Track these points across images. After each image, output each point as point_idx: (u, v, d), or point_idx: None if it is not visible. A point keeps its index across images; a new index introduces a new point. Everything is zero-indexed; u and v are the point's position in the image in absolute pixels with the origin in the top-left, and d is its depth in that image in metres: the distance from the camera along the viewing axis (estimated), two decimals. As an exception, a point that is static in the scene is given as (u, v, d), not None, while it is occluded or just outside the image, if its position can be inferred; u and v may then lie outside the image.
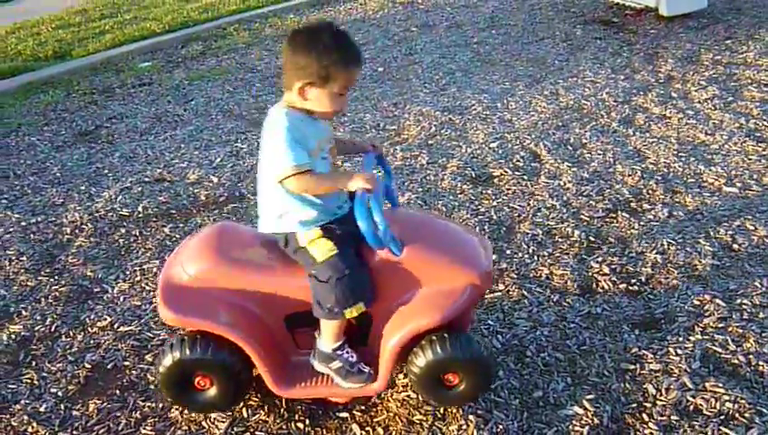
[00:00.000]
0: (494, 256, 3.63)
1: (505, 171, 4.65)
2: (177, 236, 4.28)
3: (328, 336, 2.62)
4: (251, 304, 2.62)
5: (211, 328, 2.56)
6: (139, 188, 4.96)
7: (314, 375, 2.69)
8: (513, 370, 3.00)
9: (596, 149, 4.85)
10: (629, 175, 4.46)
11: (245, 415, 2.86)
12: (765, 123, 4.93)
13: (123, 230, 4.43)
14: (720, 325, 3.13)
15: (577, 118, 5.39)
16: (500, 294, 3.48)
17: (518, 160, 4.78)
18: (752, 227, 3.79)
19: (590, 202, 4.20)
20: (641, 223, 3.95)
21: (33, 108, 6.96)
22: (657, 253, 3.67)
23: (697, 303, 3.28)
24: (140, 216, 4.59)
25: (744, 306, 3.21)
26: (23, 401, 3.12)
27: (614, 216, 4.05)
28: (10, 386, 3.22)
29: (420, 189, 4.54)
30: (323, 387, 2.67)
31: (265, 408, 2.88)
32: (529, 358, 3.05)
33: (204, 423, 2.85)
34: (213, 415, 2.87)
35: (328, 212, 2.57)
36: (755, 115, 5.08)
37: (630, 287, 3.44)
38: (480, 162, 4.82)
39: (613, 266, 3.60)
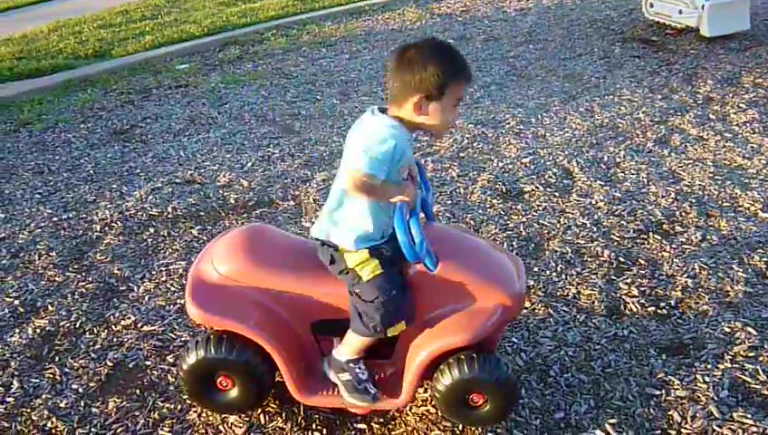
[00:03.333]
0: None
1: (536, 187, 4.60)
2: (205, 238, 4.30)
3: (351, 348, 2.60)
4: (279, 307, 2.61)
5: (237, 328, 2.56)
6: (170, 189, 4.99)
7: (335, 385, 2.67)
8: (536, 389, 2.95)
9: (630, 168, 4.78)
10: (663, 196, 4.38)
11: (263, 421, 2.85)
12: (806, 149, 4.82)
13: (152, 230, 4.46)
14: (751, 354, 3.05)
15: (612, 136, 5.31)
16: (526, 311, 3.43)
17: (550, 177, 4.73)
18: (787, 255, 3.69)
19: (622, 222, 4.13)
20: (673, 245, 3.87)
21: (71, 105, 7.06)
22: (687, 277, 3.59)
23: (728, 330, 3.20)
24: (169, 216, 4.61)
25: (776, 336, 3.13)
26: (44, 396, 3.14)
27: (645, 237, 3.97)
28: (33, 380, 3.25)
29: (450, 202, 4.51)
30: (344, 397, 2.64)
31: (283, 415, 2.86)
32: (552, 378, 3.00)
33: (221, 427, 2.85)
34: (230, 419, 2.86)
35: (379, 231, 2.54)
36: (796, 140, 4.97)
37: (659, 311, 3.37)
38: (511, 177, 4.77)
39: (642, 289, 3.53)
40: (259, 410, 2.88)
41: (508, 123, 5.70)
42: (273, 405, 2.90)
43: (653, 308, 3.39)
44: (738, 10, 7.11)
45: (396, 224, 2.35)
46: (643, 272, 3.67)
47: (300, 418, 2.85)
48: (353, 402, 2.66)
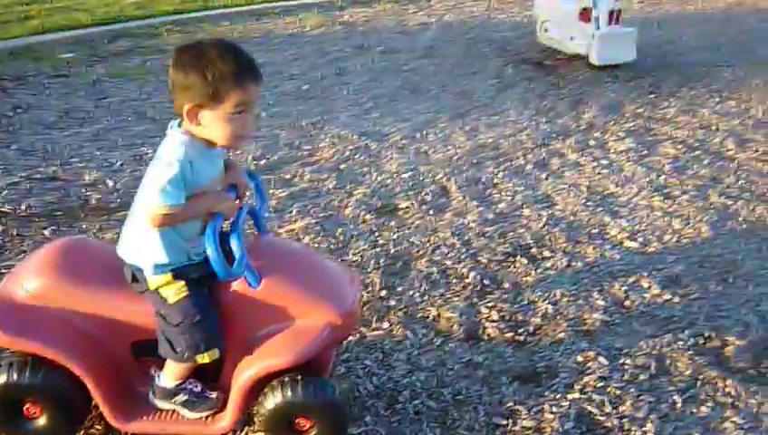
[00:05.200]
0: (363, 294, 3.52)
1: (412, 204, 4.54)
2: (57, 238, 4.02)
3: (171, 375, 2.43)
4: (93, 328, 2.40)
5: (42, 351, 2.33)
6: (29, 185, 4.67)
7: (158, 410, 2.49)
8: (383, 416, 2.85)
9: (506, 190, 4.79)
10: (535, 220, 4.39)
11: (90, 443, 2.64)
12: (674, 180, 4.95)
13: (1, 228, 4.15)
14: (599, 384, 3.04)
15: (493, 157, 5.32)
16: (383, 332, 3.34)
17: (426, 194, 4.68)
18: (646, 285, 3.74)
19: (491, 244, 4.11)
20: (538, 270, 3.87)
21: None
22: (549, 303, 3.59)
23: (581, 359, 3.19)
24: (23, 214, 4.31)
25: (626, 366, 3.14)
26: None
27: (513, 260, 3.96)
28: None
29: (322, 214, 4.39)
30: (169, 423, 2.47)
31: None
32: (401, 404, 2.91)
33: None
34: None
35: (183, 256, 2.37)
36: (666, 171, 5.10)
37: (517, 337, 3.34)
38: (388, 192, 4.70)
39: (503, 314, 3.50)
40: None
41: (393, 137, 5.64)
42: (98, 427, 2.68)
43: (511, 334, 3.36)
44: (625, 42, 7.31)
45: (206, 239, 2.19)
46: (506, 296, 3.64)
47: (127, 441, 2.66)
48: (199, 416, 2.47)
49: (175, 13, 9.60)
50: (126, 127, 5.75)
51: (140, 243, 2.35)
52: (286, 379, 2.37)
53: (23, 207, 4.37)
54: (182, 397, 2.45)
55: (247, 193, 2.60)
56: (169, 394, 2.45)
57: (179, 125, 2.27)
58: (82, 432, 2.66)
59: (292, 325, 2.37)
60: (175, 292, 2.33)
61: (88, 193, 4.58)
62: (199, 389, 2.46)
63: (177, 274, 2.34)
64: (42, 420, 2.46)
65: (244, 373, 2.34)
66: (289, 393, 2.36)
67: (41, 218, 4.26)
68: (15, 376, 2.36)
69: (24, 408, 2.45)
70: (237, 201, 2.43)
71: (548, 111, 6.34)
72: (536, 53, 8.13)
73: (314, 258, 2.66)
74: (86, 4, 9.80)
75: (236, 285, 2.36)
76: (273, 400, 2.39)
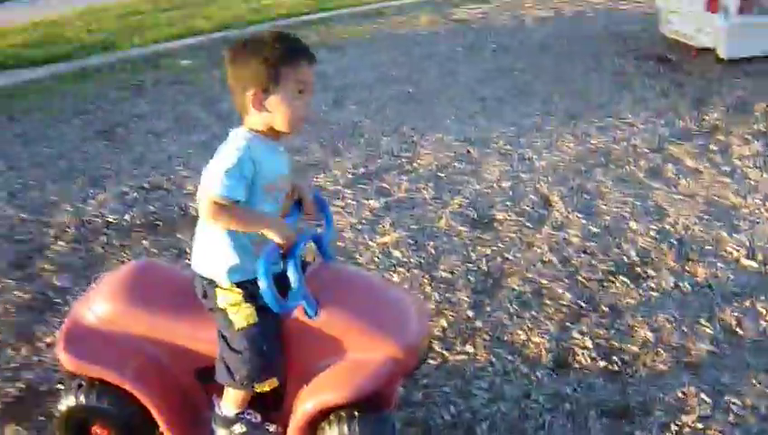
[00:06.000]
0: (432, 323, 3.38)
1: (509, 216, 4.34)
2: (155, 250, 4.13)
3: (231, 402, 2.39)
4: (158, 353, 2.40)
5: (108, 376, 2.35)
6: (135, 194, 4.84)
7: None
8: (457, 449, 2.71)
9: (613, 200, 4.49)
10: (642, 234, 4.09)
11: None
12: (807, 190, 4.48)
13: (104, 238, 4.31)
14: (700, 426, 2.76)
15: (602, 163, 5.02)
16: (466, 357, 3.19)
17: (526, 205, 4.46)
18: (763, 311, 3.39)
19: (592, 261, 3.85)
20: (641, 291, 3.59)
21: (76, 96, 6.97)
22: (649, 329, 3.31)
23: (681, 395, 2.91)
24: (125, 224, 4.46)
25: (732, 406, 2.84)
26: (-55, 416, 2.99)
27: (613, 280, 3.69)
28: (-59, 396, 3.11)
29: (415, 226, 4.27)
30: (230, 451, 2.43)
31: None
32: (477, 437, 2.76)
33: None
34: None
35: (254, 263, 2.30)
36: (798, 180, 4.63)
37: (610, 366, 3.10)
38: (486, 202, 4.52)
39: (597, 340, 3.26)
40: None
41: (496, 142, 5.44)
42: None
43: (604, 363, 3.12)
44: (758, 33, 6.73)
45: (258, 268, 2.11)
46: (602, 320, 3.39)
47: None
48: None
49: (288, 16, 9.75)
50: (232, 134, 5.85)
51: (211, 248, 2.30)
52: (343, 414, 2.27)
53: (126, 217, 4.52)
54: (240, 427, 2.40)
55: (309, 217, 2.53)
56: (228, 423, 2.42)
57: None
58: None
59: (352, 358, 2.27)
60: (243, 317, 2.28)
61: (188, 203, 4.67)
62: (258, 420, 2.41)
63: (248, 293, 2.27)
64: (108, 443, 2.50)
65: (301, 407, 2.27)
66: (345, 430, 2.26)
67: (142, 228, 4.39)
68: (83, 399, 2.40)
69: (92, 429, 2.48)
70: (297, 230, 2.35)
71: (667, 112, 5.93)
72: (659, 47, 7.65)
73: (379, 288, 2.55)
74: (207, 12, 10.13)
75: (296, 313, 2.29)
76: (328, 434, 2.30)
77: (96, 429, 2.48)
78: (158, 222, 4.45)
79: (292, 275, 2.21)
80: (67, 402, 2.43)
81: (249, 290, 2.25)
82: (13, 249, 4.23)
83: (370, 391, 2.23)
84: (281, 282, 2.23)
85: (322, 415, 2.29)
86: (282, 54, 2.14)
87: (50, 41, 8.82)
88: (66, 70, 7.77)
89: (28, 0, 12.10)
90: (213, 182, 2.13)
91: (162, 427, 2.41)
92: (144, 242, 4.23)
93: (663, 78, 6.77)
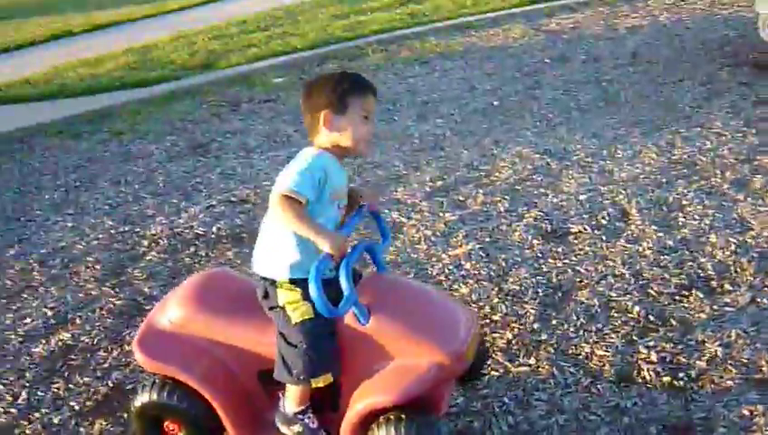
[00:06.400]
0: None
1: (584, 229, 4.32)
2: (239, 261, 4.35)
3: (291, 399, 2.55)
4: (224, 356, 2.59)
5: (178, 376, 2.56)
6: (222, 208, 5.10)
7: None
8: (512, 459, 2.75)
9: (694, 212, 4.39)
10: (722, 247, 3.99)
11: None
12: None
13: (192, 249, 4.57)
14: (765, 445, 2.70)
15: (685, 175, 4.90)
16: (528, 369, 3.22)
17: (602, 218, 4.42)
18: None
19: (665, 274, 3.79)
20: (714, 306, 3.51)
21: (164, 117, 7.41)
22: (719, 344, 3.24)
23: (746, 413, 2.85)
24: (213, 236, 4.71)
25: (801, 426, 2.76)
26: (43, 410, 3.29)
27: (687, 294, 3.63)
28: (39, 393, 3.41)
29: (487, 239, 4.32)
30: (290, 451, 2.58)
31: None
32: (533, 448, 2.79)
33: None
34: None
35: (311, 262, 2.45)
36: None
37: (675, 382, 3.06)
38: (561, 215, 4.51)
39: (663, 354, 3.21)
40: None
41: (577, 154, 5.40)
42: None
43: (669, 378, 3.08)
44: None
45: (310, 277, 2.26)
46: (671, 335, 3.34)
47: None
48: None
49: (381, 32, 9.94)
50: (318, 149, 6.05)
51: (275, 248, 2.52)
52: (391, 416, 2.38)
53: (214, 230, 4.78)
54: (298, 428, 2.55)
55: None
56: (288, 421, 2.58)
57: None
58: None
59: (400, 363, 2.39)
60: (300, 313, 2.46)
61: (272, 215, 4.88)
62: (315, 426, 2.55)
63: (306, 295, 2.41)
64: (180, 439, 2.70)
65: (352, 409, 2.40)
66: (392, 431, 2.36)
67: (228, 240, 4.63)
68: (156, 396, 2.61)
69: (165, 425, 2.69)
70: (350, 241, 2.49)
71: (760, 121, 5.71)
72: (758, 53, 7.35)
73: (429, 296, 2.64)
74: (301, 30, 10.47)
75: (348, 320, 2.42)
76: (377, 437, 2.41)
77: (168, 423, 2.68)
78: (243, 234, 4.68)
79: (343, 283, 2.33)
80: (142, 398, 2.65)
81: (307, 289, 2.40)
82: (110, 259, 4.55)
83: (416, 394, 2.33)
84: (336, 288, 2.37)
85: (372, 417, 2.40)
86: (351, 86, 2.52)
87: (144, 65, 9.36)
88: (161, 91, 8.23)
89: (123, 27, 12.87)
90: (285, 180, 2.38)
91: (226, 424, 2.59)
92: (229, 253, 4.47)
93: (760, 86, 6.51)
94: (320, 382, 2.46)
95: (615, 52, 8.04)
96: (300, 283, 2.46)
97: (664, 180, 4.86)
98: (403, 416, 2.36)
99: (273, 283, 2.52)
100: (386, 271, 2.74)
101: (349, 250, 2.43)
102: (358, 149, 2.57)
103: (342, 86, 2.49)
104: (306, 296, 2.42)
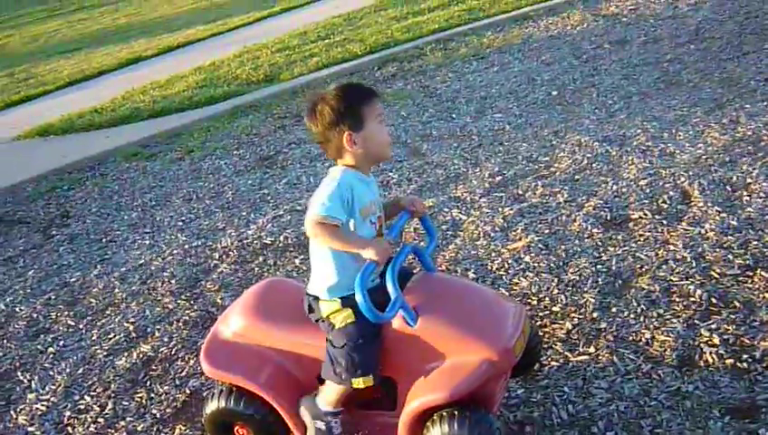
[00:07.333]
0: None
1: (645, 214, 4.29)
2: (305, 268, 4.50)
3: (329, 397, 2.66)
4: (285, 361, 2.72)
5: (243, 384, 2.70)
6: (289, 217, 5.27)
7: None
8: (572, 447, 2.79)
9: (759, 191, 4.29)
10: (789, 225, 3.90)
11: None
12: None
13: (261, 258, 4.75)
14: (832, 425, 2.65)
15: (750, 152, 4.79)
16: (587, 358, 3.24)
17: (663, 202, 4.38)
18: None
19: (728, 256, 3.74)
20: (781, 286, 3.45)
21: (232, 132, 7.66)
22: (786, 324, 3.19)
23: (813, 393, 2.81)
24: (280, 245, 4.88)
25: None
26: (128, 419, 3.50)
27: (751, 274, 3.57)
28: (124, 403, 3.63)
29: (547, 231, 4.34)
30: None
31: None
32: (593, 435, 2.82)
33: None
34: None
35: (350, 280, 2.55)
36: None
37: (739, 364, 3.03)
38: (621, 202, 4.48)
39: (726, 337, 3.18)
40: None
41: (637, 139, 5.34)
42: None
43: (732, 360, 3.05)
44: None
45: (356, 283, 2.36)
46: (734, 317, 3.30)
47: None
48: None
49: (439, 30, 9.98)
50: (378, 153, 6.16)
51: (316, 270, 2.67)
52: (444, 413, 2.46)
53: (281, 239, 4.95)
54: (322, 425, 2.67)
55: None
56: (315, 415, 2.69)
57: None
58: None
59: (450, 362, 2.46)
60: (342, 319, 2.59)
61: (335, 221, 5.02)
62: (339, 432, 2.68)
63: (346, 302, 2.57)
64: (249, 441, 2.85)
65: (407, 407, 2.50)
66: (446, 427, 2.44)
67: (294, 249, 4.80)
68: (224, 403, 2.77)
69: (235, 429, 2.84)
70: (396, 244, 2.58)
71: (831, 91, 5.52)
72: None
73: (476, 293, 2.71)
74: (361, 35, 10.61)
75: (396, 322, 2.51)
76: (432, 433, 2.48)
77: (238, 428, 2.83)
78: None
79: (389, 287, 2.43)
80: (212, 406, 2.81)
81: (346, 299, 2.53)
82: (184, 273, 4.78)
83: (467, 391, 2.41)
84: (383, 293, 2.47)
85: (427, 415, 2.49)
86: (357, 98, 2.55)
87: (211, 83, 9.68)
88: (228, 107, 8.50)
89: (191, 48, 13.30)
90: (316, 207, 2.48)
91: (291, 427, 2.72)
92: (296, 260, 4.62)
93: (830, 53, 6.29)
94: (360, 384, 2.55)
95: (676, 31, 7.88)
96: (339, 297, 2.61)
97: (727, 159, 4.76)
98: (456, 412, 2.44)
99: (316, 298, 2.66)
100: (434, 271, 2.82)
101: (394, 255, 2.53)
102: (386, 154, 2.66)
103: (349, 102, 2.52)
104: (346, 304, 2.56)
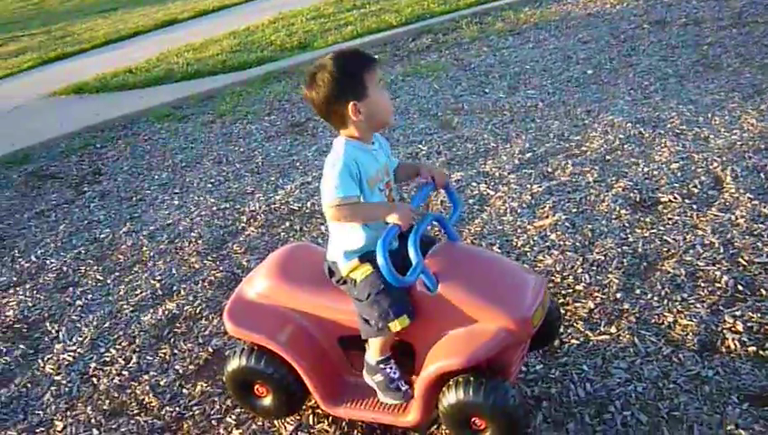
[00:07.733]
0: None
1: (675, 198, 4.25)
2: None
3: (374, 349, 2.69)
4: (306, 323, 2.76)
5: (264, 343, 2.75)
6: (317, 184, 5.28)
7: (361, 398, 2.76)
8: (587, 424, 2.80)
9: (793, 179, 4.23)
10: (821, 215, 3.84)
11: (311, 422, 3.02)
12: None
13: (288, 224, 4.79)
14: None
15: (786, 140, 4.72)
16: (608, 338, 3.24)
17: (694, 186, 4.33)
18: None
19: (758, 243, 3.70)
20: (809, 275, 3.41)
21: (264, 97, 7.69)
22: (812, 314, 3.16)
23: (835, 383, 2.79)
24: (307, 211, 4.91)
25: None
26: (151, 373, 3.57)
27: (780, 263, 3.53)
28: (147, 357, 3.70)
29: (574, 210, 4.31)
30: (366, 411, 2.73)
31: (329, 418, 3.00)
32: (609, 414, 2.83)
33: (276, 422, 3.05)
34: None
35: (371, 245, 2.59)
36: None
37: (761, 352, 3.01)
38: (652, 185, 4.44)
39: (750, 324, 3.16)
40: (309, 412, 3.05)
41: (672, 122, 5.27)
42: (321, 408, 3.04)
43: (754, 348, 3.03)
44: None
45: (378, 245, 2.38)
46: (760, 304, 3.27)
47: (344, 423, 2.97)
48: (388, 402, 2.72)
49: (476, 4, 9.88)
50: (408, 125, 6.16)
51: (334, 238, 2.72)
52: (460, 379, 2.49)
53: (308, 205, 4.98)
54: (380, 377, 2.69)
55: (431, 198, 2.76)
56: (372, 371, 2.72)
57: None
58: (309, 411, 3.05)
59: (468, 329, 2.49)
60: (361, 272, 2.63)
61: (363, 190, 5.04)
62: (397, 375, 2.68)
63: (363, 259, 2.62)
64: (268, 399, 2.91)
65: (425, 372, 2.53)
66: (461, 392, 2.47)
67: (320, 216, 4.81)
68: (245, 361, 2.82)
69: (255, 388, 2.89)
70: (420, 212, 2.59)
71: None
72: None
73: (497, 263, 2.72)
74: (396, 6, 10.54)
75: (420, 287, 2.53)
76: (447, 398, 2.53)
77: (258, 387, 2.88)
78: (334, 208, 4.85)
79: (411, 253, 2.45)
80: (233, 364, 2.86)
81: (365, 258, 2.59)
82: (212, 234, 4.83)
83: (483, 358, 2.44)
84: (404, 257, 2.50)
85: (444, 379, 2.52)
86: (358, 65, 2.51)
87: (245, 48, 9.70)
88: (261, 72, 8.52)
89: (227, 12, 13.29)
90: (330, 192, 2.51)
91: (310, 387, 2.76)
92: (322, 227, 4.65)
93: None
94: (397, 326, 2.54)
95: (719, 13, 7.72)
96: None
97: (762, 146, 4.69)
98: (472, 378, 2.46)
99: (334, 262, 2.71)
100: (457, 240, 2.83)
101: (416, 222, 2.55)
102: (389, 120, 2.66)
103: (351, 71, 2.49)
104: (363, 260, 2.60)
